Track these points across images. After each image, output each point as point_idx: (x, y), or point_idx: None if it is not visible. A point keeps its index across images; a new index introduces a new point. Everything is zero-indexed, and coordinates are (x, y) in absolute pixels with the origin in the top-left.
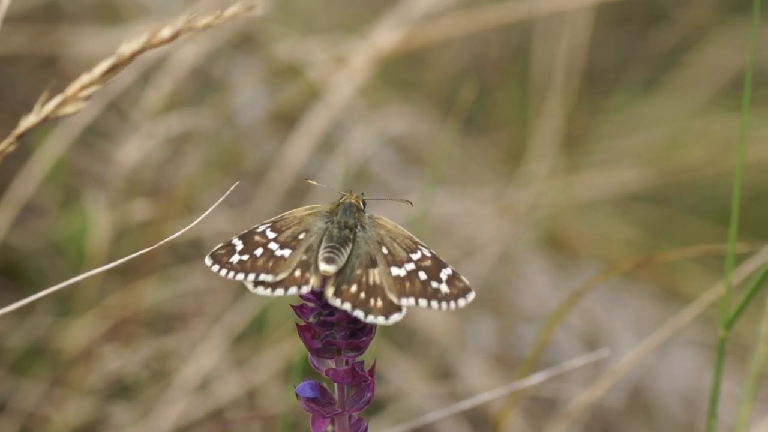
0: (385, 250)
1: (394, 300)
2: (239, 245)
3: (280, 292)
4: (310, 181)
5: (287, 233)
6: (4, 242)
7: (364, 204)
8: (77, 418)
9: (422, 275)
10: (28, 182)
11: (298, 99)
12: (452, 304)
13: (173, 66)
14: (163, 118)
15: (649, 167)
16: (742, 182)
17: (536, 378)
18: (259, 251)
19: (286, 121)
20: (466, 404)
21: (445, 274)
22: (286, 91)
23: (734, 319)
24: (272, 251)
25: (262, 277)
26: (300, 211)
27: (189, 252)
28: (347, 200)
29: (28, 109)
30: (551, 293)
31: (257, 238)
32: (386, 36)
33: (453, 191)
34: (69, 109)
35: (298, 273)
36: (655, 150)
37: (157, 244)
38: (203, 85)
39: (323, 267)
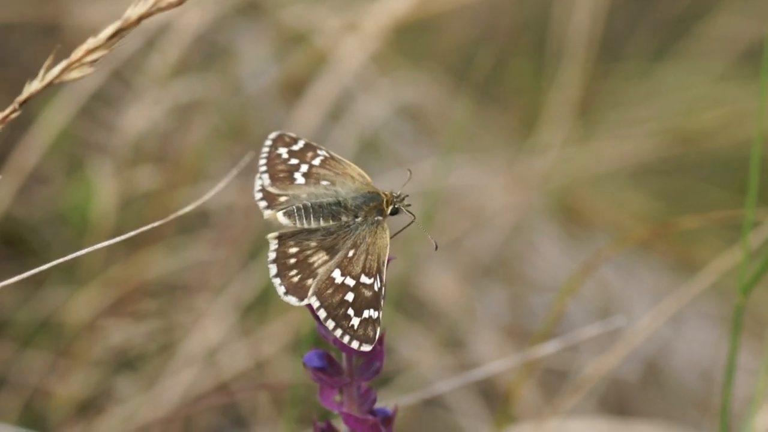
0: (350, 253)
1: (308, 292)
2: (299, 145)
3: (256, 196)
4: (408, 170)
5: (320, 171)
6: (7, 212)
7: (396, 211)
8: (82, 391)
9: (350, 297)
10: (31, 151)
11: (306, 67)
12: (346, 338)
13: (178, 33)
14: (169, 85)
15: (664, 136)
16: (761, 152)
17: (549, 347)
18: (293, 161)
19: (295, 89)
20: (477, 375)
21: (368, 313)
22: (295, 59)
23: (751, 285)
24: (295, 170)
25: (264, 177)
26: (351, 168)
27: (195, 222)
28: (381, 193)
29: (31, 76)
30: (564, 264)
31: (309, 153)
32: (397, 2)
33: (465, 160)
34: (74, 74)
35: (282, 199)
36: (670, 119)
37: (168, 218)
38: (209, 53)
39: (279, 214)
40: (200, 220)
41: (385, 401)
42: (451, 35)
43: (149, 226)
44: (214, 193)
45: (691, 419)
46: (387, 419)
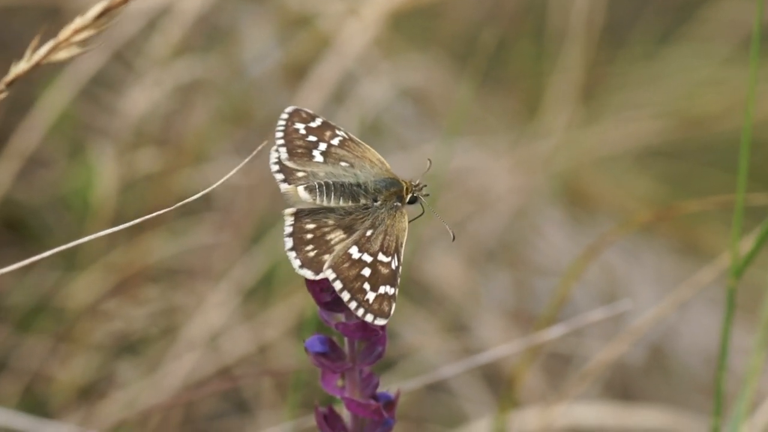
0: (368, 233)
1: (324, 266)
2: (316, 123)
3: (273, 168)
4: (429, 159)
5: (340, 152)
6: (8, 196)
7: (414, 199)
8: (83, 376)
9: (366, 272)
10: (31, 134)
11: (309, 50)
12: (361, 311)
13: (180, 14)
14: (171, 67)
15: (668, 120)
16: (760, 137)
17: (554, 332)
18: (312, 138)
19: (298, 72)
20: (481, 360)
21: (384, 289)
22: (298, 43)
23: (743, 269)
24: (313, 147)
25: (282, 150)
26: (371, 153)
27: (197, 205)
28: (401, 180)
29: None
30: (568, 248)
31: (327, 132)
32: None
33: (469, 144)
34: (62, 54)
35: (299, 174)
36: (675, 102)
37: (173, 207)
38: (212, 35)
39: (300, 189)
40: (203, 203)
41: (389, 386)
42: (454, 18)
43: (156, 213)
44: (222, 179)
45: (695, 403)
46: (389, 404)
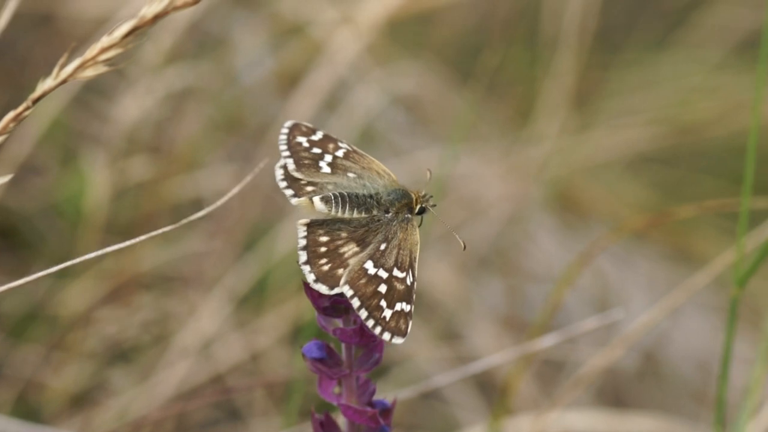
0: (382, 247)
1: (339, 281)
2: (317, 136)
3: (280, 184)
4: (429, 170)
5: (346, 163)
6: (1, 203)
7: (422, 210)
8: (76, 384)
9: (383, 288)
10: (24, 141)
11: (302, 58)
12: (378, 329)
13: (172, 22)
14: (163, 75)
15: (660, 126)
16: (755, 143)
17: (548, 340)
18: (316, 150)
19: (291, 80)
20: (474, 367)
21: (400, 306)
22: (290, 50)
23: (747, 278)
24: (319, 158)
25: (288, 162)
26: (377, 164)
27: (190, 212)
28: (410, 191)
29: (26, 66)
30: (561, 254)
31: (330, 144)
32: None
33: (462, 150)
34: (88, 72)
35: (308, 188)
36: (667, 109)
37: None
38: (204, 43)
39: (316, 200)
40: (195, 211)
41: (382, 394)
42: (447, 25)
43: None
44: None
45: (687, 410)
46: (385, 411)
